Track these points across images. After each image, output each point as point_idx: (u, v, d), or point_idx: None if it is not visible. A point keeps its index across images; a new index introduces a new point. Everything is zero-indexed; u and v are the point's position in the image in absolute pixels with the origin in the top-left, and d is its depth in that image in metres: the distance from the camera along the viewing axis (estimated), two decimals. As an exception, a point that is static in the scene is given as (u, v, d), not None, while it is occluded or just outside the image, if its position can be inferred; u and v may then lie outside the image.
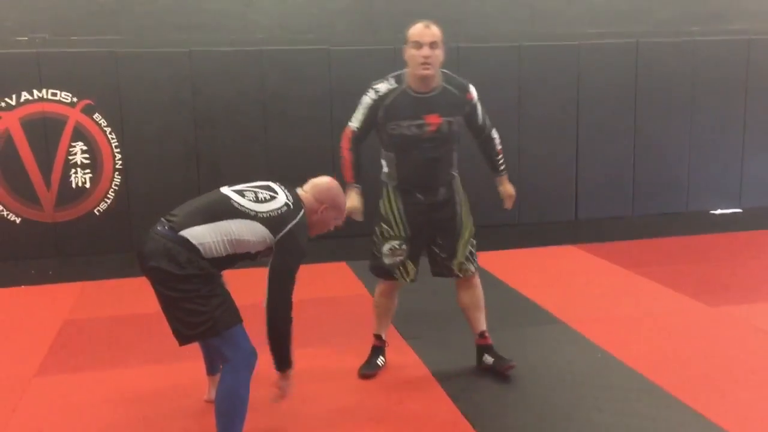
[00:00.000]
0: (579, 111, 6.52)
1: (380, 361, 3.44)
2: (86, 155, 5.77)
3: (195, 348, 3.76)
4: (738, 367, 3.35)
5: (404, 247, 3.28)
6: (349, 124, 3.32)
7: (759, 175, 6.93)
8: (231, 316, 2.58)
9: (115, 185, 5.87)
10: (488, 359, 3.32)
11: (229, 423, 2.53)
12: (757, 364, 3.39)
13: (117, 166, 5.85)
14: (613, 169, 6.66)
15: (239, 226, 2.55)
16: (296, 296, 4.33)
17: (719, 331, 3.82)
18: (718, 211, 6.89)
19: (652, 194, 6.76)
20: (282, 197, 2.67)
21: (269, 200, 2.63)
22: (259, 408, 2.83)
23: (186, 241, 2.48)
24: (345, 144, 3.39)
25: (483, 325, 3.37)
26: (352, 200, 3.30)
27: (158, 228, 2.57)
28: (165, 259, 2.46)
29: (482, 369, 3.34)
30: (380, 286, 3.44)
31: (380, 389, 3.24)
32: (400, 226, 3.29)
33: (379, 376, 3.37)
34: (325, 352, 3.69)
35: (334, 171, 6.08)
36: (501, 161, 3.41)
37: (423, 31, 3.10)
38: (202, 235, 2.50)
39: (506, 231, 6.23)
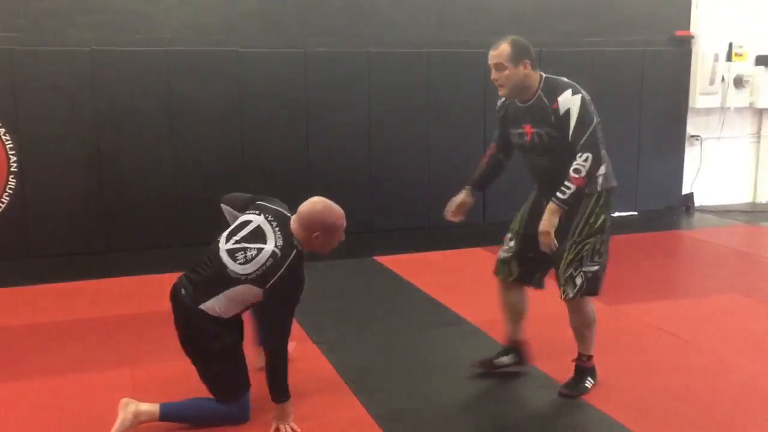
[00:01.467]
0: (485, 116, 6.68)
1: (503, 360, 3.36)
2: (-22, 158, 5.47)
3: (91, 359, 3.64)
4: (632, 361, 3.52)
5: (512, 243, 3.26)
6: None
7: (652, 180, 7.30)
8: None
9: (10, 188, 5.59)
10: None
11: (190, 417, 2.95)
12: (650, 358, 3.58)
13: (12, 169, 5.57)
14: (518, 174, 6.80)
15: (237, 291, 2.83)
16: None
17: (616, 327, 3.99)
18: (616, 214, 7.21)
19: (555, 198, 7.00)
20: (270, 245, 2.83)
21: (257, 255, 2.82)
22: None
23: (205, 313, 2.86)
24: (487, 152, 3.48)
25: (579, 348, 3.21)
26: (454, 199, 3.47)
27: (183, 293, 2.94)
28: (182, 326, 2.96)
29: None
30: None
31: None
32: (519, 223, 3.29)
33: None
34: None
35: (243, 173, 6.06)
36: (564, 189, 2.94)
37: (490, 53, 3.08)
38: (216, 305, 2.86)
39: (416, 234, 6.32)
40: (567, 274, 3.04)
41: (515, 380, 3.38)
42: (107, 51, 5.69)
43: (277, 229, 2.86)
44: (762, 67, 7.41)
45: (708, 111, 7.47)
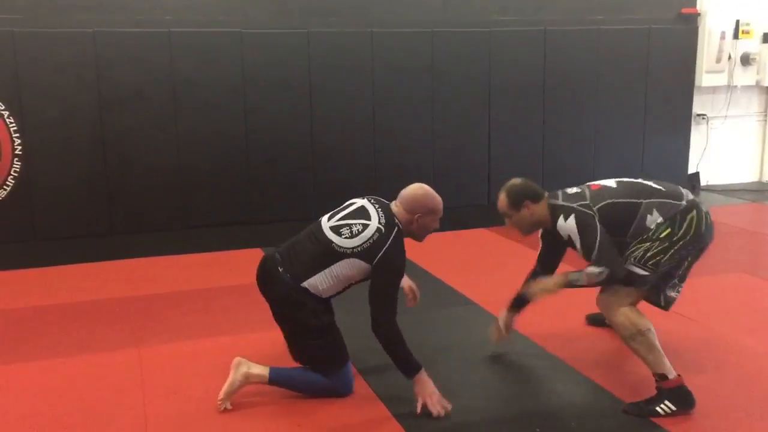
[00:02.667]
0: (491, 97, 6.64)
1: None
2: (-18, 141, 5.46)
3: (98, 341, 3.67)
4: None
5: None
6: None
7: (658, 160, 7.26)
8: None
9: (15, 172, 5.59)
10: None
11: (297, 385, 3.04)
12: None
13: (16, 152, 5.57)
14: (524, 154, 6.83)
15: (343, 266, 2.91)
16: (210, 284, 4.26)
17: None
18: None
19: (559, 178, 6.96)
20: (374, 222, 2.95)
21: (362, 231, 2.92)
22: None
23: (307, 291, 2.92)
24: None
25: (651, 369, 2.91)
26: (498, 323, 3.44)
27: (281, 270, 2.98)
28: (280, 305, 3.00)
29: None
30: None
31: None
32: None
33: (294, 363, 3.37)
34: (241, 340, 3.65)
35: (248, 157, 6.05)
36: (578, 278, 2.95)
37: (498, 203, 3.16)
38: (319, 283, 2.93)
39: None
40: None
41: (526, 360, 3.39)
42: (110, 32, 5.66)
43: (379, 209, 3.01)
44: (769, 45, 7.36)
45: (714, 89, 7.41)
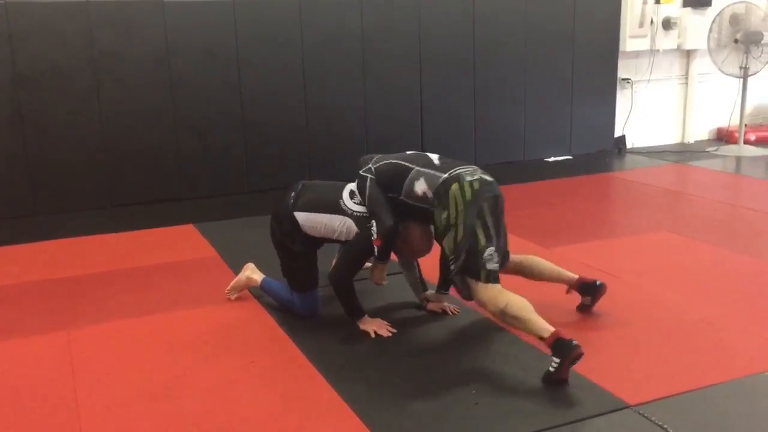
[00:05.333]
0: (422, 64, 6.64)
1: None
2: None
3: (24, 325, 3.54)
4: (564, 299, 3.58)
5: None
6: None
7: (585, 124, 7.43)
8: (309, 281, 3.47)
9: (-74, 154, 5.31)
10: None
11: (275, 295, 3.62)
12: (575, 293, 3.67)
13: (-73, 133, 5.29)
14: (456, 121, 6.88)
15: (334, 220, 3.29)
16: (143, 263, 4.19)
17: None
18: (551, 159, 7.34)
19: (492, 145, 7.06)
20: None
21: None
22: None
23: (294, 219, 3.35)
24: None
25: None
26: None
27: (292, 194, 3.44)
28: (276, 223, 3.44)
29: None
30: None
31: (233, 352, 3.20)
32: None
33: (232, 336, 3.33)
34: (174, 318, 3.59)
35: (176, 132, 5.89)
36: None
37: None
38: (305, 219, 3.34)
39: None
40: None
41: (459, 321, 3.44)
42: (22, 3, 5.39)
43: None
44: (689, 9, 7.55)
45: (638, 54, 7.59)
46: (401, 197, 3.18)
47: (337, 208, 3.30)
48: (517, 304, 2.91)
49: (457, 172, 3.11)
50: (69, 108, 5.62)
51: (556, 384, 2.78)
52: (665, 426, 2.50)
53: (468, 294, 3.11)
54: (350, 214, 3.28)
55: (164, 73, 5.83)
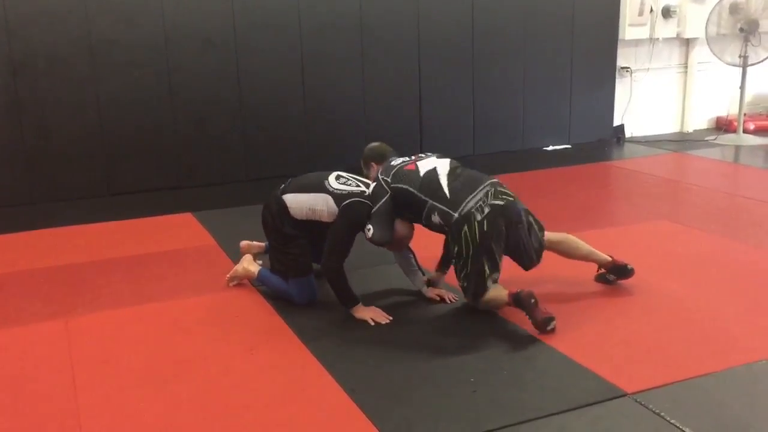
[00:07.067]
0: (421, 53, 6.61)
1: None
2: None
3: (22, 313, 3.54)
4: (563, 288, 3.62)
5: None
6: None
7: (585, 113, 7.41)
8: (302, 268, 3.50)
9: (-77, 142, 5.29)
10: None
11: (269, 284, 3.63)
12: (582, 284, 3.68)
13: (-76, 121, 5.27)
14: (455, 109, 6.86)
15: (317, 198, 3.39)
16: (141, 251, 4.17)
17: (548, 257, 3.99)
18: (550, 148, 7.33)
19: (490, 134, 7.05)
20: (366, 190, 3.40)
21: (354, 188, 3.41)
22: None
23: (282, 203, 3.46)
24: None
25: None
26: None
27: (282, 186, 3.58)
28: (266, 210, 3.57)
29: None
30: None
31: (232, 340, 3.20)
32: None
33: (231, 324, 3.33)
34: (171, 306, 3.59)
35: (174, 120, 5.87)
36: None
37: None
38: (292, 201, 3.46)
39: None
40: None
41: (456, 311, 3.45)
42: (19, -9, 5.36)
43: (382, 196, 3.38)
44: (689, -3, 7.54)
45: (637, 42, 7.56)
46: (423, 223, 3.39)
47: (320, 188, 3.41)
48: (490, 296, 3.29)
49: (467, 209, 3.22)
50: (67, 96, 5.60)
51: (543, 327, 3.12)
52: (662, 414, 2.51)
53: (475, 304, 3.36)
54: (330, 192, 3.37)
55: (162, 61, 5.80)
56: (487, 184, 3.30)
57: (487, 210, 3.21)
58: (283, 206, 3.45)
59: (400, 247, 3.50)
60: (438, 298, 3.53)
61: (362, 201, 3.35)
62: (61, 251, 4.50)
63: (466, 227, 3.21)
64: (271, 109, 6.18)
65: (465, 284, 3.32)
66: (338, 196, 3.36)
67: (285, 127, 6.25)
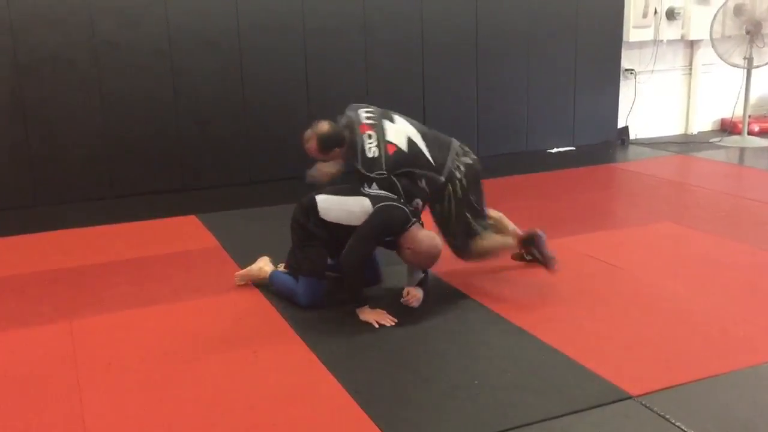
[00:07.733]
0: (424, 54, 6.61)
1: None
2: None
3: (27, 314, 3.55)
4: (568, 290, 3.61)
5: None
6: None
7: (589, 115, 7.40)
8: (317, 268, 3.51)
9: (-72, 144, 5.31)
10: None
11: (279, 286, 3.66)
12: (586, 286, 3.68)
13: (-71, 124, 5.28)
14: (459, 110, 6.86)
15: (350, 202, 3.41)
16: (145, 253, 4.19)
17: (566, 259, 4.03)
18: (554, 150, 7.32)
19: (494, 135, 7.04)
20: (399, 198, 3.47)
21: (388, 193, 3.45)
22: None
23: (313, 201, 3.49)
24: None
25: None
26: None
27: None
28: (296, 208, 3.58)
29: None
30: None
31: (236, 342, 3.20)
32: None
33: (235, 326, 3.33)
34: (176, 309, 3.59)
35: (178, 122, 5.88)
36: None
37: None
38: (323, 200, 3.48)
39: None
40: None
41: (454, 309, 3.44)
42: (23, -6, 5.38)
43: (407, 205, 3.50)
44: (693, -1, 7.52)
45: (641, 44, 7.55)
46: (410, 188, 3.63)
47: (356, 192, 3.46)
48: (494, 242, 3.69)
49: (449, 171, 3.60)
50: (70, 98, 5.61)
51: (552, 263, 3.64)
52: (667, 416, 2.50)
53: (467, 256, 3.69)
54: (367, 194, 3.42)
55: (166, 63, 5.81)
56: (454, 143, 3.70)
57: (463, 168, 3.62)
58: (313, 204, 3.48)
59: (419, 265, 3.49)
60: (406, 296, 3.46)
61: (399, 206, 3.38)
62: (65, 254, 4.51)
63: (450, 187, 3.57)
64: (275, 111, 6.19)
65: (453, 239, 3.62)
66: (375, 198, 3.40)
67: (289, 129, 6.23)
